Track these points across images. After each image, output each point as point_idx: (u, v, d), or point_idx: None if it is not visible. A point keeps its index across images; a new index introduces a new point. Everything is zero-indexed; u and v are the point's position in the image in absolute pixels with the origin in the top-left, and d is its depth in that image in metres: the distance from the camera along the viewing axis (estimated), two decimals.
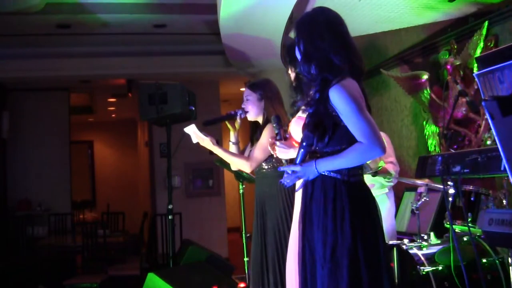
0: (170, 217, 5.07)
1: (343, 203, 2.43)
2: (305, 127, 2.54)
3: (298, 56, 2.62)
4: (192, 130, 3.76)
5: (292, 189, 3.54)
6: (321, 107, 2.47)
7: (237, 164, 3.83)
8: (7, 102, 9.15)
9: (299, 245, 2.57)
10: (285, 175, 2.54)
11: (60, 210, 8.93)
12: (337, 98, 2.41)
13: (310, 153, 2.53)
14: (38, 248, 7.66)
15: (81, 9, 6.36)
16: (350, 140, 2.44)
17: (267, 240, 3.66)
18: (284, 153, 2.83)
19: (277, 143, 2.81)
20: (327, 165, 2.45)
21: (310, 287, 2.46)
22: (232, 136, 3.93)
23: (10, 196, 9.12)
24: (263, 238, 3.68)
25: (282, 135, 2.89)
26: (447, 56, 4.61)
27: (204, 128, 3.81)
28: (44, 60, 8.08)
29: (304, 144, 2.49)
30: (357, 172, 2.52)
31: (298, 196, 2.76)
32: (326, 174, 2.48)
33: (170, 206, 5.06)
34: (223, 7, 5.30)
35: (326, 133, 2.47)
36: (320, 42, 2.52)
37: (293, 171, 2.50)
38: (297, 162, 2.50)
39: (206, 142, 3.76)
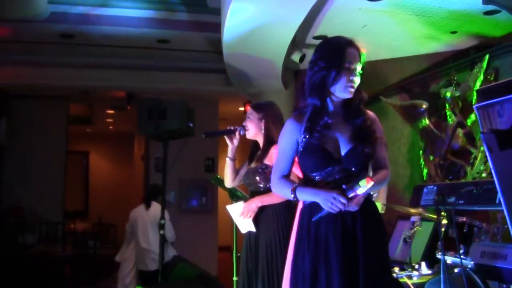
0: (161, 232, 5.04)
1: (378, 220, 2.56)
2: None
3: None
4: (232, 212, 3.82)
5: (286, 211, 3.54)
6: (368, 134, 2.48)
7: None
8: (6, 108, 9.14)
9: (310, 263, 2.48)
10: (333, 202, 2.37)
11: (52, 218, 8.87)
12: (379, 122, 2.53)
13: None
14: (28, 256, 7.59)
15: (85, 20, 6.38)
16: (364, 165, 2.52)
17: (258, 262, 3.62)
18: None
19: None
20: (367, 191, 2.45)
21: None
22: (230, 152, 3.90)
23: (5, 202, 9.06)
24: (255, 259, 3.64)
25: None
26: (447, 87, 4.63)
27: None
28: (46, 68, 8.09)
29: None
30: None
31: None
32: None
33: (162, 221, 5.03)
34: (227, 27, 5.33)
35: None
36: None
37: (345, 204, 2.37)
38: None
39: (251, 203, 3.70)
